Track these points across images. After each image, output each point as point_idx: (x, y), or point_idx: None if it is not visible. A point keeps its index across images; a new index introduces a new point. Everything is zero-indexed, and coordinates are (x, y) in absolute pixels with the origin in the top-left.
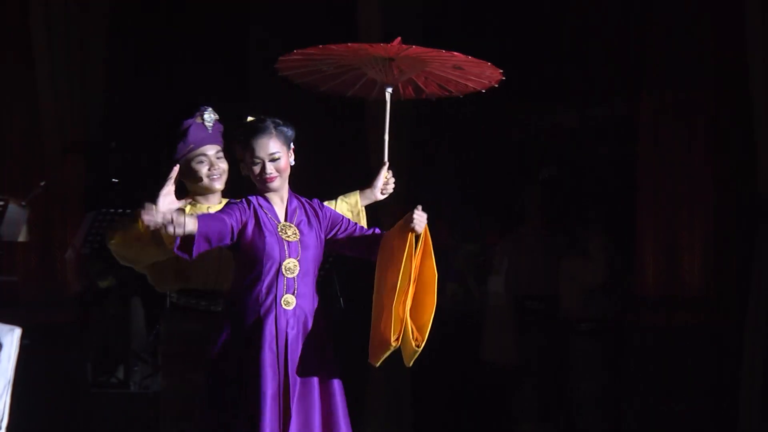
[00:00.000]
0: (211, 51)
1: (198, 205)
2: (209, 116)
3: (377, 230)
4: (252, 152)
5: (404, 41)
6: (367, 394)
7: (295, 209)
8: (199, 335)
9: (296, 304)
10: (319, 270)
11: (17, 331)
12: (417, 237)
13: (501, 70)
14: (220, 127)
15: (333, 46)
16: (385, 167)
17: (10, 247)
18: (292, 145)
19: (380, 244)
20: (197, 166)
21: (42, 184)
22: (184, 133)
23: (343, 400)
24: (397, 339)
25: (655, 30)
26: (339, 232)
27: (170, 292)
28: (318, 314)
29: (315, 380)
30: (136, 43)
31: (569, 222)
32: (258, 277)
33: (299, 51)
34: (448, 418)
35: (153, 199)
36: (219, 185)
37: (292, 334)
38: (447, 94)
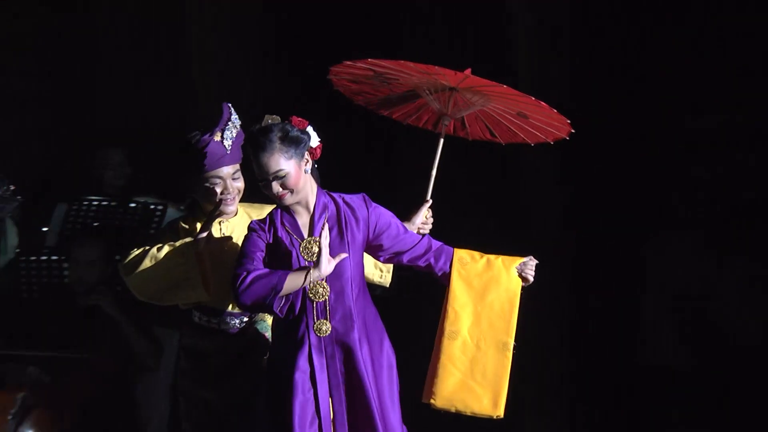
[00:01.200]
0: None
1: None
2: (229, 132)
3: (437, 244)
4: (256, 170)
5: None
6: (524, 389)
7: (323, 218)
8: (212, 353)
9: (332, 328)
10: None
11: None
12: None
13: (569, 122)
14: (242, 139)
15: (410, 64)
16: (427, 204)
17: None
18: (312, 146)
19: (463, 273)
20: (210, 188)
21: None
22: (200, 152)
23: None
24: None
25: None
26: (386, 239)
27: (193, 310)
28: (368, 332)
29: (374, 405)
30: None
31: (726, 225)
32: (287, 305)
33: (371, 61)
34: (605, 418)
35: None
36: (232, 208)
37: (333, 363)
38: (489, 138)
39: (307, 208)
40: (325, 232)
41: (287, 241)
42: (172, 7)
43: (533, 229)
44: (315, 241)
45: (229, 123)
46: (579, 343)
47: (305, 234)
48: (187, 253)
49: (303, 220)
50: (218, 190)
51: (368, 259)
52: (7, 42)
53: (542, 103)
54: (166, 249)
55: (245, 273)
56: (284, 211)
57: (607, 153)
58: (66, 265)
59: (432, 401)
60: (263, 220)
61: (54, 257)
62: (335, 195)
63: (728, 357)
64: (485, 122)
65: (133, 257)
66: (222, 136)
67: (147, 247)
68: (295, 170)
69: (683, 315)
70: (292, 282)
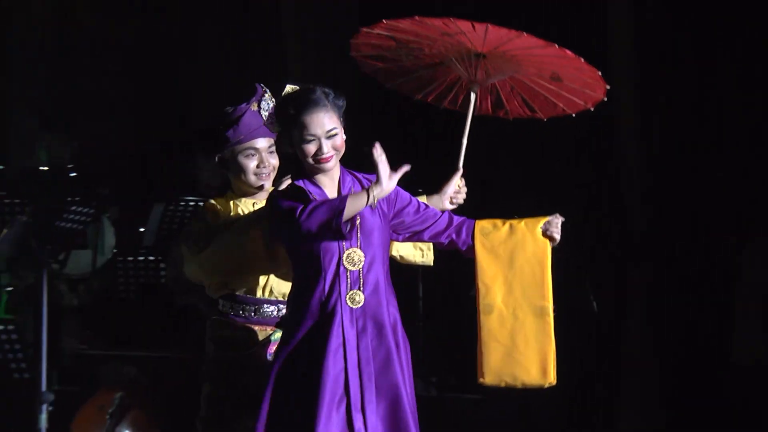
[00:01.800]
0: None
1: (243, 203)
2: (266, 104)
3: (459, 219)
4: (304, 128)
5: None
6: (620, 387)
7: (350, 189)
8: (239, 343)
9: (365, 300)
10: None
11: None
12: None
13: (606, 85)
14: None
15: (426, 19)
16: (459, 174)
17: None
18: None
19: (487, 243)
20: (245, 161)
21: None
22: (236, 121)
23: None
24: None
25: None
26: (407, 215)
27: (219, 299)
28: (392, 309)
29: (401, 386)
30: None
31: None
32: (318, 274)
33: (388, 23)
34: (699, 415)
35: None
36: (267, 183)
37: (364, 336)
38: (529, 114)
39: (333, 179)
40: (380, 149)
41: None
42: (268, 14)
43: (627, 230)
44: None
45: (266, 95)
46: (673, 340)
47: None
48: (249, 231)
49: (329, 191)
50: (254, 163)
51: (406, 243)
52: (105, 45)
53: (568, 51)
54: (227, 232)
55: (303, 205)
56: (309, 183)
57: (700, 155)
58: (163, 265)
59: (481, 380)
60: (285, 191)
61: (151, 257)
62: (353, 172)
63: None
64: (522, 95)
65: (195, 246)
66: (259, 106)
67: (205, 234)
68: (341, 132)
69: None
70: (355, 203)
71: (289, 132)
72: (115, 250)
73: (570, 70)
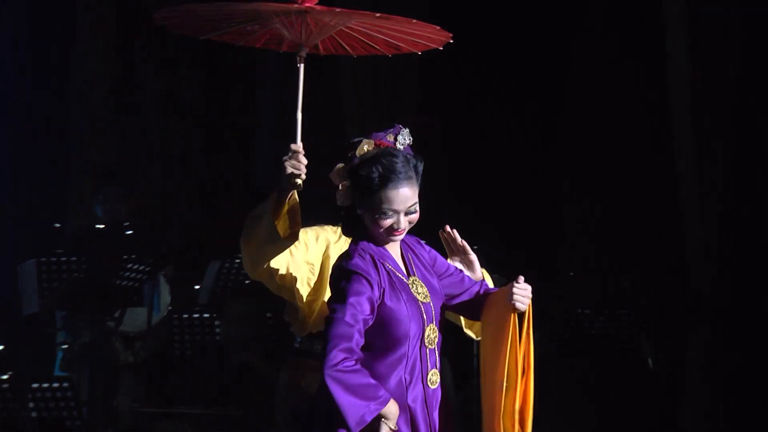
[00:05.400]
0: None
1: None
2: (402, 139)
3: (485, 284)
4: (385, 202)
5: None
6: None
7: (410, 257)
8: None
9: (439, 380)
10: None
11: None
12: (521, 315)
13: (446, 32)
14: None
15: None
16: (300, 147)
17: None
18: None
19: (483, 308)
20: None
21: None
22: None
23: None
24: None
25: None
26: (446, 280)
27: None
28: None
29: None
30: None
31: None
32: (399, 357)
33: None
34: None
35: None
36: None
37: (440, 419)
38: (376, 52)
39: (396, 245)
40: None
41: (397, 281)
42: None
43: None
44: (417, 281)
45: (404, 131)
46: (735, 343)
47: (405, 272)
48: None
49: (398, 258)
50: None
51: None
52: (165, 102)
53: (412, 20)
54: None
55: (343, 358)
56: (380, 248)
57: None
58: (218, 323)
59: None
60: (362, 255)
61: (206, 315)
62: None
63: None
64: (361, 39)
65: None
66: (395, 140)
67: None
68: (418, 204)
69: None
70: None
71: (364, 195)
72: (170, 308)
73: (407, 26)
